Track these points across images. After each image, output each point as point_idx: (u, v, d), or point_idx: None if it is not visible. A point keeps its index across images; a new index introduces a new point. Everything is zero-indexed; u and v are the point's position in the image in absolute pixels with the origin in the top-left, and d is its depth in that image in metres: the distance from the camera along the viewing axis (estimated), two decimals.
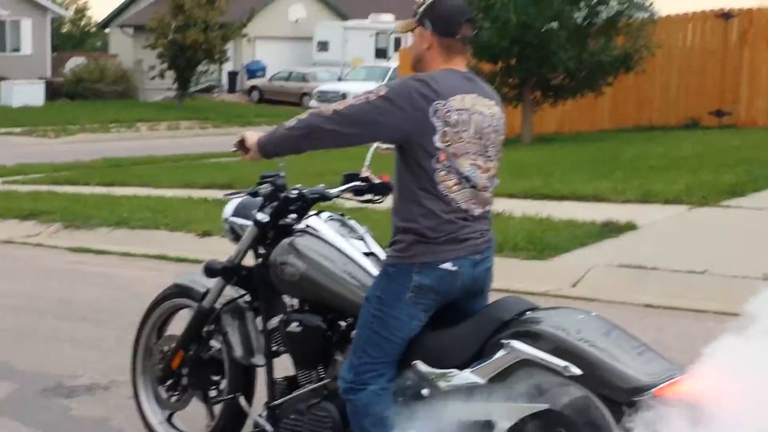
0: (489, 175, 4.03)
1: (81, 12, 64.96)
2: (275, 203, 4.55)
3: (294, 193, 4.55)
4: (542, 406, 3.87)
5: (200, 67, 38.12)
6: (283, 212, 4.56)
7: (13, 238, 11.46)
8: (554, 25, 19.65)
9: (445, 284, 3.98)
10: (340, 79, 41.20)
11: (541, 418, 3.88)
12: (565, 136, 21.79)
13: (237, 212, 4.81)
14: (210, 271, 4.69)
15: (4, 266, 9.98)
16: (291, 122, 4.02)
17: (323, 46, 47.71)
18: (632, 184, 12.05)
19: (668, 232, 9.69)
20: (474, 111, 3.96)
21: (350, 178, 4.71)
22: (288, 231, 4.53)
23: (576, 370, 3.74)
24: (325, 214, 4.59)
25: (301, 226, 4.53)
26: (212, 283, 4.78)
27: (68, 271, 9.62)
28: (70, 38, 59.25)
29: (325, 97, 33.46)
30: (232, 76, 47.01)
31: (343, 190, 4.70)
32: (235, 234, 4.78)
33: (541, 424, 3.88)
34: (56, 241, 11.19)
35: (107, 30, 55.57)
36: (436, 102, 3.87)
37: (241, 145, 4.24)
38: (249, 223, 4.64)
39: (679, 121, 21.81)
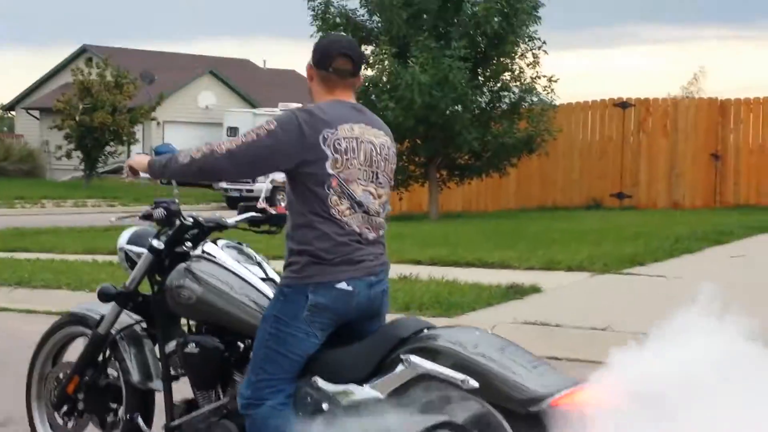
0: (381, 201, 4.13)
1: None
2: (170, 232, 4.57)
3: (190, 221, 4.57)
4: (441, 419, 3.89)
5: (108, 148, 37.92)
6: (179, 240, 4.58)
7: None
8: (459, 107, 20.07)
9: (341, 303, 4.02)
10: None
11: (441, 430, 3.88)
12: (472, 214, 22.08)
13: (132, 241, 4.80)
14: (104, 296, 4.66)
15: None
16: (185, 159, 4.06)
17: (233, 131, 47.64)
18: (536, 253, 12.24)
19: (571, 295, 9.84)
20: (363, 140, 4.07)
21: (247, 209, 4.76)
22: (184, 258, 4.54)
23: (474, 383, 3.79)
24: (221, 242, 4.62)
25: (198, 252, 4.54)
26: (107, 310, 4.75)
27: None
28: None
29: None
30: None
31: (239, 221, 4.74)
32: (131, 262, 4.76)
33: None
34: None
35: (13, 113, 54.97)
36: (326, 130, 3.97)
37: (131, 170, 4.35)
38: (144, 250, 4.63)
39: (582, 202, 22.35)
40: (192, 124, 49.27)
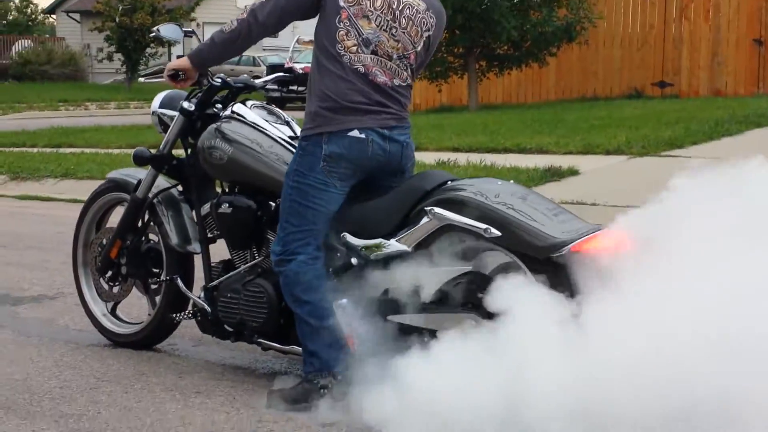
0: (396, 48, 4.13)
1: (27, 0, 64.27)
2: (200, 94, 4.64)
3: (218, 81, 4.62)
4: (465, 269, 4.02)
5: (149, 50, 37.88)
6: (209, 101, 4.64)
7: None
8: None
9: (355, 152, 4.09)
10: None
11: (466, 279, 4.02)
12: (512, 105, 21.91)
13: (164, 104, 4.86)
14: (139, 159, 4.75)
15: None
16: (220, 35, 4.19)
17: None
18: (575, 139, 12.16)
19: (609, 177, 9.81)
20: None
21: (275, 69, 4.85)
22: (214, 120, 4.61)
23: (495, 232, 3.88)
24: (250, 102, 4.68)
25: (227, 112, 4.61)
26: (143, 174, 4.86)
27: (15, 213, 9.56)
28: (16, 25, 58.40)
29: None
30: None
31: (268, 81, 4.79)
32: (164, 125, 4.84)
33: (465, 285, 4.02)
34: (3, 191, 11.08)
35: (54, 16, 54.88)
36: None
37: (173, 77, 4.37)
38: (174, 113, 4.70)
39: (622, 92, 22.11)
40: None
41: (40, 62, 39.36)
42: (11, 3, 55.30)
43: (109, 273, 5.02)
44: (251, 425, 3.98)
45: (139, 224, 4.92)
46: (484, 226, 3.91)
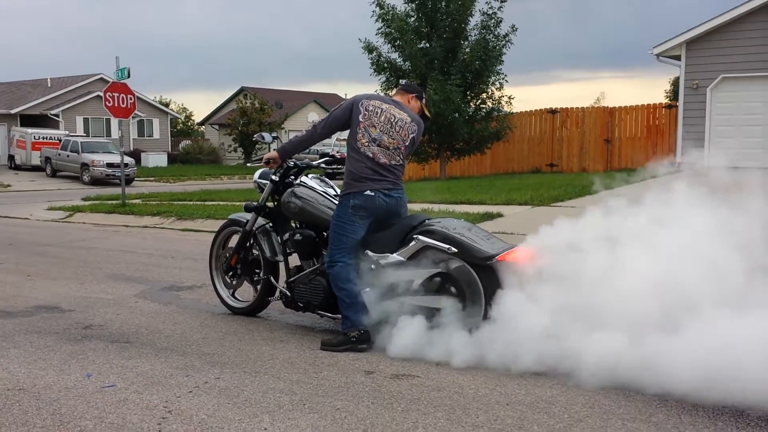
0: (393, 144, 4.10)
1: (188, 117, 64.83)
2: (281, 171, 4.62)
3: (291, 164, 4.63)
4: (437, 270, 3.99)
5: (257, 146, 38.00)
6: (287, 175, 4.64)
7: (148, 225, 11.33)
8: (456, 115, 19.89)
9: (369, 203, 4.06)
10: None
11: (437, 276, 3.99)
12: (465, 177, 21.89)
13: (261, 176, 4.86)
14: (247, 208, 4.74)
15: (143, 237, 9.88)
16: (296, 139, 4.24)
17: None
18: (501, 196, 12.13)
19: (521, 218, 9.76)
20: (386, 111, 4.11)
21: (324, 155, 4.81)
22: (290, 185, 4.59)
23: (454, 249, 3.87)
24: (311, 175, 4.67)
25: (298, 181, 4.61)
26: (250, 216, 4.82)
27: (178, 239, 9.52)
28: (182, 132, 58.90)
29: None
30: None
31: (320, 162, 4.76)
32: (261, 189, 4.82)
33: (438, 280, 3.99)
34: (173, 226, 11.04)
35: (203, 127, 55.27)
36: (364, 100, 4.10)
37: (267, 162, 4.43)
38: (267, 181, 4.71)
39: (529, 169, 22.11)
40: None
41: (194, 153, 39.45)
42: (179, 119, 55.48)
43: (230, 273, 4.98)
44: (312, 358, 3.94)
45: (247, 245, 4.88)
46: (447, 246, 3.88)
